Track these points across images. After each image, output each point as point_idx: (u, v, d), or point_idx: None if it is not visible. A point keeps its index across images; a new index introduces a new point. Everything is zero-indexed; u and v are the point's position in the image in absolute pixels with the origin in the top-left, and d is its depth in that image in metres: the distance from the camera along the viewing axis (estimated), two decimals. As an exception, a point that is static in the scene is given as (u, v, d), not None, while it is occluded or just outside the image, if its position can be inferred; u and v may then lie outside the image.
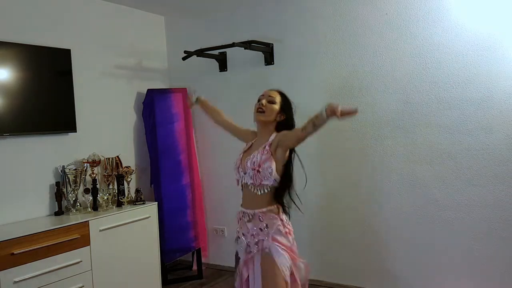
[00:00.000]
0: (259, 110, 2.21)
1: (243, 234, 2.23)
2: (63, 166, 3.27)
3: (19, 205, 3.07)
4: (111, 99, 3.78)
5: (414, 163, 3.22)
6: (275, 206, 2.20)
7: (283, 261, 2.10)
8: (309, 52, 3.60)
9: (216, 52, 3.91)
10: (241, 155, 2.30)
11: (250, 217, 2.20)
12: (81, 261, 2.96)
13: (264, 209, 2.17)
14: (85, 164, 3.38)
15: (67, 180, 3.25)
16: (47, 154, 3.24)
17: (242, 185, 2.27)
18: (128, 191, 3.58)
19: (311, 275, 2.13)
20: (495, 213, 2.95)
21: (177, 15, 4.26)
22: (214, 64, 4.07)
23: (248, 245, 2.20)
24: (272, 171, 2.13)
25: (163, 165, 3.88)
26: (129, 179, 3.61)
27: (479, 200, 3.00)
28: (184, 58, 3.86)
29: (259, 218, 2.17)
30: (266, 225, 2.15)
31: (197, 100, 2.72)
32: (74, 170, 3.25)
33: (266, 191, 2.17)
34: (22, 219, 3.07)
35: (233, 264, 4.08)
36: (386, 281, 3.36)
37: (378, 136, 3.34)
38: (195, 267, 4.09)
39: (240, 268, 2.27)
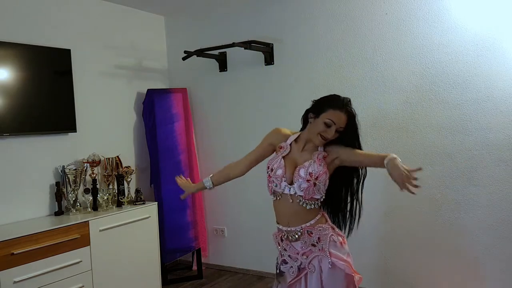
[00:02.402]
0: (323, 138, 1.91)
1: (290, 257, 1.98)
2: (63, 166, 3.27)
3: (19, 205, 3.07)
4: (111, 99, 3.78)
5: (414, 163, 3.21)
6: (321, 214, 2.00)
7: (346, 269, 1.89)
8: (309, 52, 3.60)
9: (216, 52, 3.91)
10: (281, 161, 1.98)
11: (298, 235, 1.95)
12: (81, 261, 2.96)
13: (312, 221, 1.95)
14: (85, 164, 3.39)
15: (67, 180, 3.25)
16: (47, 154, 3.24)
17: (279, 196, 1.98)
18: (128, 191, 3.58)
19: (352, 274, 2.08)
20: (495, 213, 2.95)
21: (177, 15, 4.26)
22: (214, 64, 4.07)
23: (299, 268, 1.97)
24: (326, 183, 1.93)
25: (163, 165, 3.88)
26: (129, 179, 3.61)
27: (479, 200, 3.00)
28: (184, 58, 3.86)
29: (309, 233, 1.94)
30: (318, 238, 1.92)
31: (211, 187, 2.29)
32: (74, 170, 3.25)
33: (315, 206, 1.96)
34: (22, 219, 3.07)
35: (233, 264, 4.12)
36: (386, 281, 3.36)
37: (378, 136, 3.33)
38: (195, 267, 4.09)
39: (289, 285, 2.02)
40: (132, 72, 4.00)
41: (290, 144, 2.02)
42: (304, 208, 1.94)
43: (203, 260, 4.09)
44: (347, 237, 2.05)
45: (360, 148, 1.98)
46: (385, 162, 1.84)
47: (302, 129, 2.06)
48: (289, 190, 1.94)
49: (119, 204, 3.48)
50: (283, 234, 2.00)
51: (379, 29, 3.28)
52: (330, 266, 1.89)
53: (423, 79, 3.15)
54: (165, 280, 3.78)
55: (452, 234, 3.10)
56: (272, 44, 3.74)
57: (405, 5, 3.17)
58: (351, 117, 1.93)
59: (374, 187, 3.35)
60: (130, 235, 3.34)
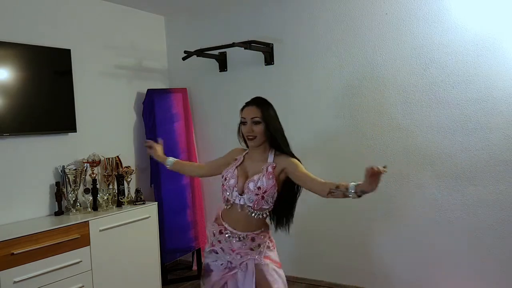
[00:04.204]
0: (249, 138, 2.05)
1: (223, 249, 2.08)
2: (63, 166, 3.27)
3: (19, 205, 3.07)
4: (111, 99, 3.78)
5: (414, 163, 3.22)
6: (266, 223, 2.15)
7: (280, 285, 2.05)
8: (309, 52, 3.60)
9: (216, 52, 3.91)
10: (235, 171, 2.10)
11: (241, 238, 2.05)
12: (81, 261, 2.96)
13: (258, 231, 2.08)
14: (85, 164, 3.39)
15: (67, 180, 3.25)
16: (47, 154, 3.24)
17: (230, 204, 2.09)
18: (128, 191, 3.58)
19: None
20: (495, 213, 2.95)
21: (177, 15, 4.26)
22: (214, 64, 4.07)
23: (230, 262, 2.07)
24: (275, 196, 2.04)
25: (163, 165, 3.87)
26: (129, 179, 3.61)
27: (479, 200, 3.00)
28: (184, 58, 3.86)
29: (252, 239, 2.06)
30: (258, 244, 2.06)
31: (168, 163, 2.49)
32: (74, 170, 3.25)
33: (264, 215, 2.07)
34: (22, 219, 3.07)
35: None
36: (386, 281, 3.36)
37: (377, 136, 3.34)
38: (195, 267, 4.10)
39: (213, 284, 2.11)
40: (132, 72, 4.00)
41: (244, 156, 2.16)
42: (253, 218, 2.05)
43: (203, 260, 4.08)
44: (286, 234, 2.20)
45: (282, 131, 2.09)
46: (351, 188, 1.80)
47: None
48: (239, 200, 2.05)
49: (119, 204, 3.48)
50: (226, 231, 2.09)
51: (379, 29, 3.28)
52: (262, 271, 2.03)
53: (423, 79, 3.15)
54: (165, 280, 3.78)
55: (452, 234, 3.10)
56: (272, 44, 3.74)
57: (405, 5, 3.17)
58: (260, 104, 2.07)
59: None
60: (130, 235, 3.34)
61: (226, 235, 2.08)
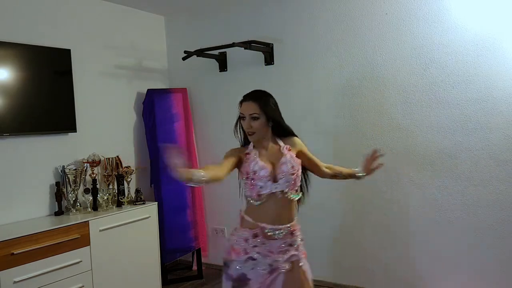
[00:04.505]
0: (249, 133, 2.02)
1: (260, 253, 1.95)
2: (63, 166, 3.27)
3: (19, 205, 3.07)
4: (111, 99, 3.78)
5: (414, 163, 3.22)
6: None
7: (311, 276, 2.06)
8: (309, 52, 3.60)
9: (216, 52, 3.91)
10: (261, 162, 1.99)
11: (283, 233, 1.97)
12: (81, 261, 2.96)
13: (295, 218, 2.04)
14: (85, 164, 3.39)
15: (67, 180, 3.25)
16: (47, 154, 3.24)
17: (265, 197, 1.97)
18: (128, 191, 3.58)
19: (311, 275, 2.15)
20: (495, 213, 2.95)
21: (177, 15, 4.26)
22: (214, 64, 4.07)
23: (271, 265, 1.95)
24: (300, 169, 2.08)
25: (163, 165, 3.87)
26: (129, 179, 3.61)
27: (479, 200, 3.00)
28: (184, 58, 3.86)
29: (291, 233, 2.00)
30: (301, 238, 2.06)
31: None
32: (74, 170, 3.25)
33: (297, 194, 2.06)
34: (22, 219, 3.07)
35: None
36: (386, 281, 3.36)
37: (377, 136, 3.33)
38: (195, 267, 4.10)
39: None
40: (132, 72, 4.00)
41: (253, 148, 2.09)
42: (290, 202, 2.02)
43: (203, 260, 4.09)
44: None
45: (282, 119, 2.12)
46: (359, 172, 2.33)
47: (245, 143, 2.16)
48: (276, 188, 1.98)
49: (119, 204, 3.48)
50: (263, 231, 1.96)
51: (379, 29, 3.28)
52: (301, 264, 2.02)
53: (423, 79, 3.15)
54: (165, 280, 3.78)
55: (452, 234, 3.10)
56: (272, 44, 3.74)
57: (405, 5, 3.17)
58: (258, 98, 2.04)
59: (375, 188, 3.36)
60: (130, 235, 3.34)
61: (264, 237, 1.96)
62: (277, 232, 1.97)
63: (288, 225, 1.99)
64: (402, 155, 3.26)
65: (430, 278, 3.20)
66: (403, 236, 3.28)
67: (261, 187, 1.97)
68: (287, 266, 1.98)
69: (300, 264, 2.02)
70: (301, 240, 2.07)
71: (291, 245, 2.00)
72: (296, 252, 2.01)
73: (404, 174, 3.25)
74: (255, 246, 1.96)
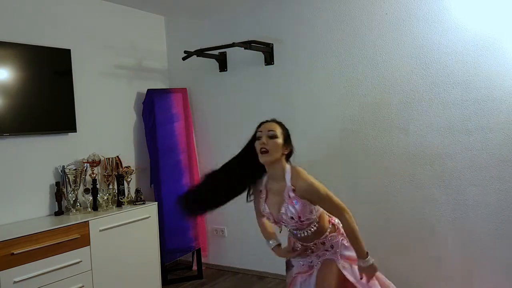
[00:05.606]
0: (262, 150, 1.94)
1: (300, 256, 2.14)
2: (63, 166, 3.27)
3: (19, 205, 3.07)
4: (111, 99, 3.78)
5: (414, 163, 3.22)
6: (331, 224, 2.11)
7: (345, 265, 2.05)
8: (309, 52, 3.59)
9: (216, 52, 3.91)
10: (266, 207, 2.06)
11: (313, 248, 2.09)
12: (81, 261, 2.96)
13: (323, 236, 2.07)
14: (85, 164, 3.39)
15: (67, 180, 3.25)
16: (47, 154, 3.24)
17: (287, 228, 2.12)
18: (128, 191, 3.58)
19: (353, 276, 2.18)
20: (495, 213, 2.95)
21: (177, 15, 4.26)
22: (214, 64, 4.07)
23: (310, 262, 2.12)
24: (311, 210, 1.99)
25: (163, 165, 3.88)
26: (129, 179, 3.61)
27: (479, 200, 3.00)
28: (184, 58, 3.86)
29: (323, 243, 2.08)
30: (332, 245, 2.08)
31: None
32: (74, 170, 3.25)
33: (317, 226, 2.04)
34: (22, 219, 3.07)
35: (233, 264, 4.12)
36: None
37: (378, 136, 3.33)
38: (195, 267, 4.09)
39: (294, 275, 2.18)
40: (132, 72, 4.00)
41: (265, 184, 2.09)
42: (310, 234, 2.05)
43: (203, 260, 4.09)
44: None
45: (290, 143, 2.05)
46: (360, 260, 2.00)
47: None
48: (288, 228, 2.10)
49: (119, 204, 3.48)
50: (300, 247, 2.12)
51: (379, 29, 3.28)
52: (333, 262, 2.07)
53: (423, 79, 3.15)
54: (165, 280, 3.78)
55: (452, 234, 3.10)
56: (272, 44, 3.74)
57: (405, 5, 3.17)
58: (278, 122, 2.05)
59: (375, 188, 3.36)
60: (130, 235, 3.34)
61: (305, 251, 2.13)
62: (307, 248, 2.10)
63: (315, 241, 2.07)
64: (402, 155, 3.26)
65: (429, 277, 3.20)
66: (403, 237, 3.28)
67: (274, 223, 2.12)
68: (320, 263, 2.08)
69: (333, 262, 2.05)
70: (344, 246, 2.08)
71: (327, 250, 2.08)
72: (330, 256, 2.07)
73: (404, 174, 3.25)
74: (300, 255, 2.14)
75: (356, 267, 2.04)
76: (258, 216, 2.22)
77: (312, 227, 2.04)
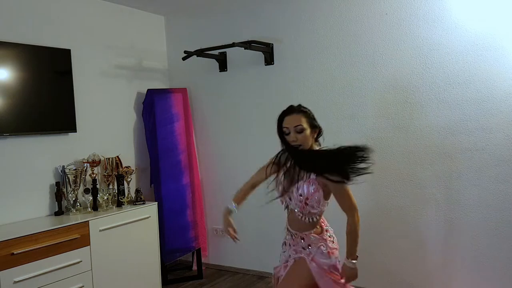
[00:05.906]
0: (295, 145, 2.05)
1: (289, 244, 2.21)
2: (63, 166, 3.27)
3: (19, 205, 3.07)
4: (111, 99, 3.78)
5: (414, 163, 3.22)
6: (319, 226, 2.17)
7: (313, 264, 2.11)
8: (309, 52, 3.60)
9: (216, 52, 3.91)
10: (282, 178, 2.15)
11: (293, 235, 2.17)
12: (81, 261, 2.96)
13: (307, 232, 2.13)
14: (85, 164, 3.39)
15: (67, 180, 3.25)
16: (47, 154, 3.24)
17: (285, 206, 2.20)
18: (128, 191, 3.58)
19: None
20: (495, 213, 2.95)
21: (177, 15, 4.26)
22: (214, 64, 4.07)
23: (289, 255, 2.20)
24: (320, 200, 2.05)
25: (163, 165, 3.88)
26: (129, 179, 3.61)
27: (479, 200, 3.00)
28: (184, 58, 3.86)
29: (302, 238, 2.14)
30: (309, 245, 2.13)
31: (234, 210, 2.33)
32: (74, 170, 3.25)
33: (314, 219, 2.12)
34: (22, 219, 3.07)
35: (233, 264, 4.12)
36: (386, 281, 3.36)
37: (377, 136, 3.34)
38: (195, 267, 4.10)
39: (277, 270, 2.29)
40: (132, 72, 4.00)
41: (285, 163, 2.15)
42: (303, 221, 2.12)
43: (203, 260, 4.09)
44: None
45: (320, 129, 2.12)
46: (349, 259, 2.08)
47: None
48: (290, 204, 2.14)
49: (119, 204, 3.48)
50: (290, 234, 2.22)
51: (379, 29, 3.28)
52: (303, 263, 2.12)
53: (423, 79, 3.15)
54: (165, 280, 3.78)
55: (452, 234, 3.10)
56: (272, 44, 3.75)
57: (405, 5, 3.17)
58: (300, 111, 2.07)
59: (375, 187, 3.36)
60: (130, 235, 3.34)
61: (293, 238, 2.19)
62: (293, 235, 2.17)
63: (300, 233, 2.14)
64: (402, 155, 3.26)
65: (429, 277, 3.20)
66: (403, 236, 3.28)
67: (280, 197, 2.19)
68: (293, 261, 2.15)
69: (305, 263, 2.10)
70: (321, 252, 2.11)
71: (303, 248, 2.13)
72: (303, 256, 2.12)
73: (404, 174, 3.25)
74: (288, 233, 2.23)
75: (326, 278, 2.09)
76: (252, 179, 2.31)
77: (310, 218, 2.11)
